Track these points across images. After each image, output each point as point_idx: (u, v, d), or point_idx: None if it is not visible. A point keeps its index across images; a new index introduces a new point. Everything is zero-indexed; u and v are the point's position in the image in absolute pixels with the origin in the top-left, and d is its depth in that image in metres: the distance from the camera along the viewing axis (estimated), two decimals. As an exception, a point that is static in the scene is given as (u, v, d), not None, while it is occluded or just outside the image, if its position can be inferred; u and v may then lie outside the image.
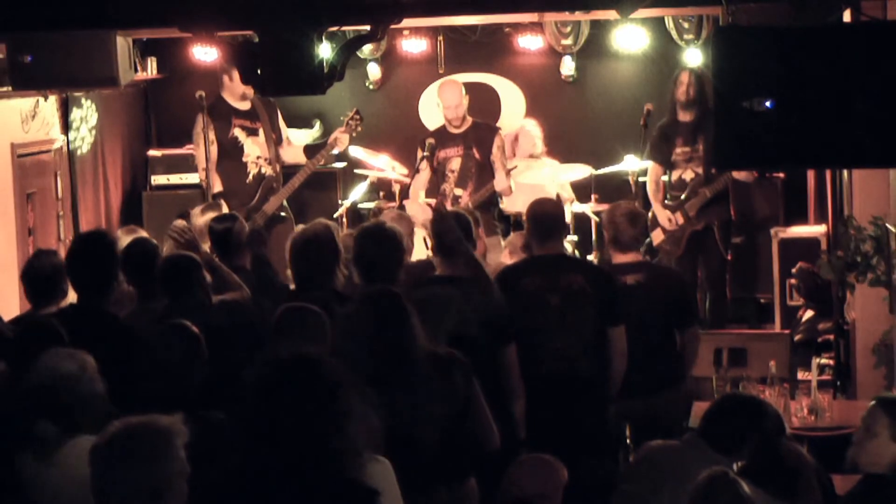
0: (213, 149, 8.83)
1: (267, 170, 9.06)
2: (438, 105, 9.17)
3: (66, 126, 9.16)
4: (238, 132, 9.05)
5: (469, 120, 9.10)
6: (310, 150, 9.19)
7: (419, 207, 8.72)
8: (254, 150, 9.08)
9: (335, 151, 9.16)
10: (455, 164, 9.08)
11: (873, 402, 4.42)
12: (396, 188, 9.38)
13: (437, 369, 4.65)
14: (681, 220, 8.80)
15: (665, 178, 8.93)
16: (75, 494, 3.88)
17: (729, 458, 4.72)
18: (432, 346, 4.72)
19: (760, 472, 4.54)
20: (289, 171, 9.16)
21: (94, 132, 9.56)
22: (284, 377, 3.22)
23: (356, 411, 3.25)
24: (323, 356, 3.31)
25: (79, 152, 9.32)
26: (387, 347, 4.56)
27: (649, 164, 8.93)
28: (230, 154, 8.93)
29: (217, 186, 8.90)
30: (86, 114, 9.44)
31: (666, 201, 8.89)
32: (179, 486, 3.24)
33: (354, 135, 9.06)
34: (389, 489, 3.81)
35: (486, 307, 5.62)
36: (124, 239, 6.63)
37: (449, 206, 8.71)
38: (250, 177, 9.02)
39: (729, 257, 8.97)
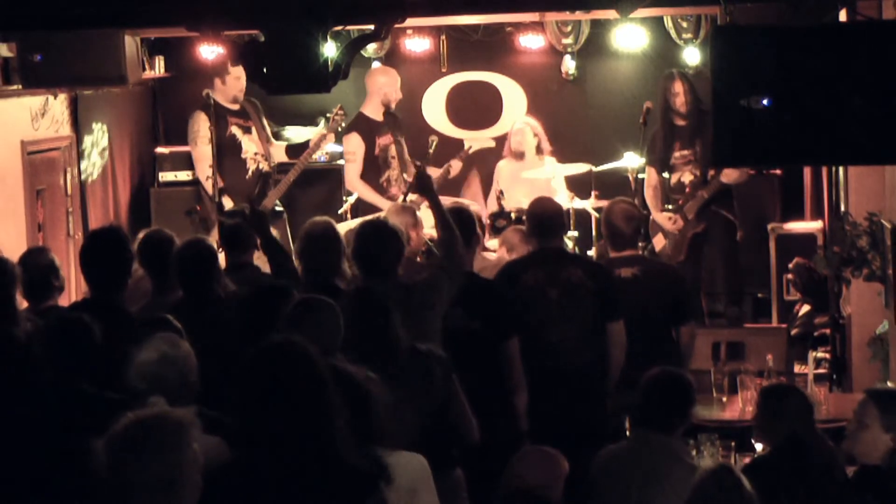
0: (210, 147, 8.93)
1: (264, 165, 9.23)
2: (380, 89, 9.33)
3: (75, 123, 9.24)
4: (235, 130, 9.17)
5: None
6: (292, 149, 9.37)
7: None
8: (251, 146, 9.22)
9: (321, 149, 9.32)
10: (392, 150, 9.25)
11: (864, 395, 4.49)
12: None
13: (417, 364, 4.71)
14: (681, 223, 8.84)
15: (666, 176, 8.97)
16: None
17: (674, 435, 4.85)
18: (413, 342, 4.77)
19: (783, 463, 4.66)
20: (279, 168, 9.37)
21: (104, 155, 9.63)
22: (268, 362, 3.28)
23: (340, 400, 3.30)
24: (308, 344, 3.35)
25: (89, 180, 9.38)
26: (366, 342, 4.62)
27: (647, 170, 8.98)
28: (229, 151, 9.04)
29: (218, 183, 9.00)
30: (96, 138, 9.51)
31: (667, 205, 8.93)
32: (193, 478, 3.26)
33: (339, 130, 9.20)
34: (421, 483, 3.85)
35: (487, 301, 5.72)
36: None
37: (398, 193, 8.93)
38: (249, 173, 9.16)
39: (737, 255, 9.00)
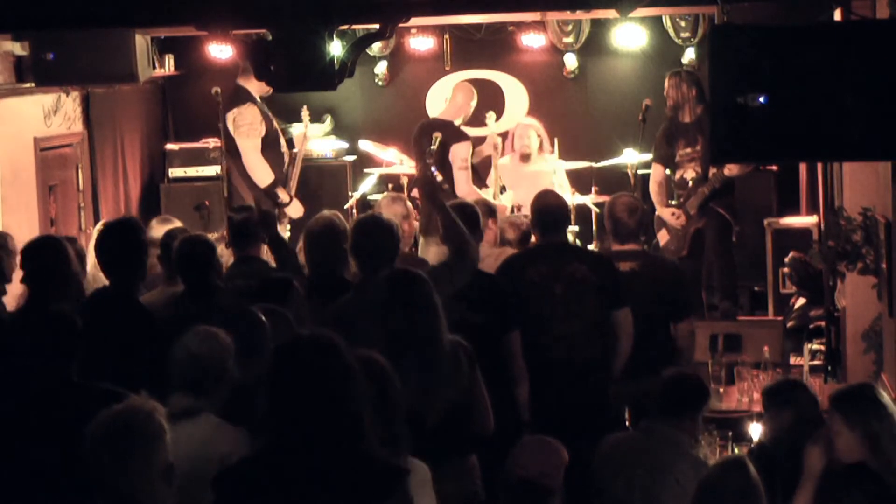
0: (258, 140, 8.90)
1: (289, 158, 9.24)
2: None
3: (87, 120, 9.35)
4: (276, 123, 9.17)
5: None
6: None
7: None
8: (282, 140, 9.24)
9: (304, 148, 9.42)
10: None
11: (829, 405, 4.57)
12: (404, 181, 9.58)
13: (448, 354, 4.78)
14: (683, 219, 8.93)
15: (669, 173, 9.04)
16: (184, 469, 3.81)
17: (680, 429, 4.95)
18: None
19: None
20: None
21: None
22: (299, 354, 3.29)
23: (368, 394, 3.34)
24: (338, 337, 3.36)
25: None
26: (412, 330, 4.67)
27: (653, 166, 9.07)
28: (272, 144, 9.03)
29: (269, 177, 8.96)
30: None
31: (671, 201, 9.01)
32: (165, 469, 3.35)
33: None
34: (421, 490, 3.84)
35: (490, 295, 5.78)
36: (158, 228, 6.83)
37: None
38: (285, 165, 9.17)
39: (731, 252, 9.06)
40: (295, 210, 8.95)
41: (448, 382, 4.75)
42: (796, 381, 5.39)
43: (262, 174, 8.95)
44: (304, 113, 9.59)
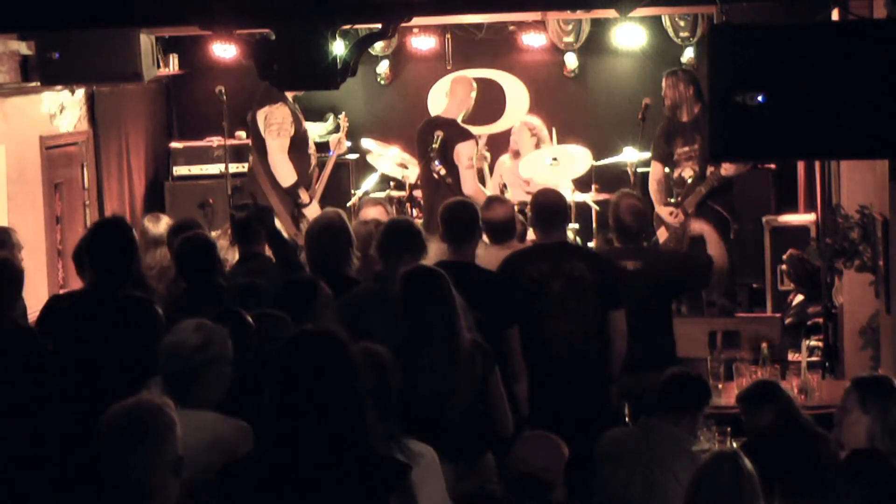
0: (287, 140, 8.86)
1: (316, 160, 9.22)
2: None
3: (92, 119, 9.40)
4: (306, 124, 9.15)
5: None
6: (316, 146, 9.50)
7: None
8: (311, 143, 9.21)
9: (341, 150, 9.48)
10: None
11: (849, 384, 4.62)
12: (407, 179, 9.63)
13: (466, 353, 4.86)
14: (681, 217, 8.96)
15: (667, 171, 9.07)
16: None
17: (680, 425, 5.00)
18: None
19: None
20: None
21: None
22: (302, 350, 3.33)
23: (368, 388, 3.40)
24: (342, 333, 3.42)
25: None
26: (429, 326, 4.74)
27: (652, 164, 9.11)
28: (299, 145, 8.99)
29: (292, 177, 8.93)
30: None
31: (670, 199, 9.04)
32: (174, 464, 3.38)
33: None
34: (428, 472, 3.90)
35: (489, 292, 5.79)
36: (155, 226, 6.87)
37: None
38: (311, 167, 9.14)
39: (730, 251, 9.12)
40: (313, 213, 8.94)
41: (465, 380, 4.81)
42: (767, 380, 5.45)
43: (285, 174, 8.91)
44: (343, 119, 9.61)
